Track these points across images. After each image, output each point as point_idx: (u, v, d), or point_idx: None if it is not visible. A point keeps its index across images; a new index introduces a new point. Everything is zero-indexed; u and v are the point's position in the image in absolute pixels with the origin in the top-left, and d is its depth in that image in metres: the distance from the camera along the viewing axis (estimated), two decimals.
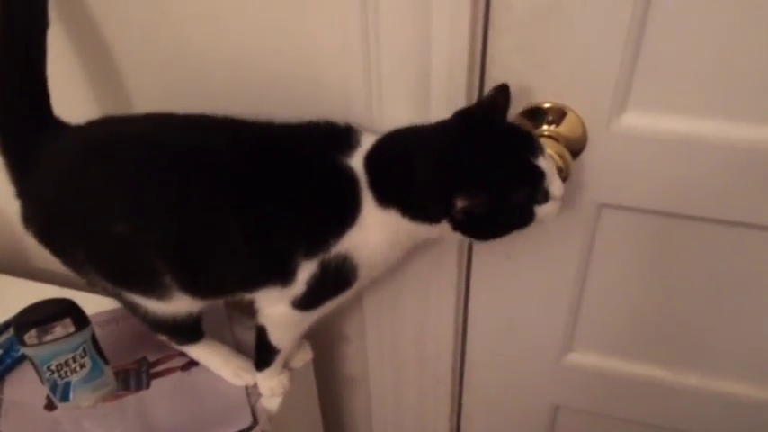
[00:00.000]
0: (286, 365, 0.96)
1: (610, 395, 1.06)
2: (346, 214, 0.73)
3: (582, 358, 1.03)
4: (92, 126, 0.81)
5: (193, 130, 0.78)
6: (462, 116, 0.74)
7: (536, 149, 0.70)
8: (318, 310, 0.83)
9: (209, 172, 0.75)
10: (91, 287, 0.88)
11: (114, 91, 0.96)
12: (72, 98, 0.86)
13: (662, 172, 0.79)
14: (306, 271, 0.76)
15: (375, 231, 0.74)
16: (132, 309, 0.87)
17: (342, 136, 0.77)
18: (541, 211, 0.71)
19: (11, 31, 0.82)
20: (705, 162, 0.76)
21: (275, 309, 0.83)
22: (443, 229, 0.72)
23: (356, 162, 0.74)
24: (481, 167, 0.69)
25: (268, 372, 0.93)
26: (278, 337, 0.88)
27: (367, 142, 0.76)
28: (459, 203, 0.67)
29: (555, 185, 0.71)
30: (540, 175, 0.70)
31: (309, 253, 0.74)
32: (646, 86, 0.73)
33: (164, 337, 0.94)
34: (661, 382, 1.01)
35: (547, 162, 0.70)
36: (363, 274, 0.78)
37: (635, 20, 0.68)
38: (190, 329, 0.92)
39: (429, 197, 0.70)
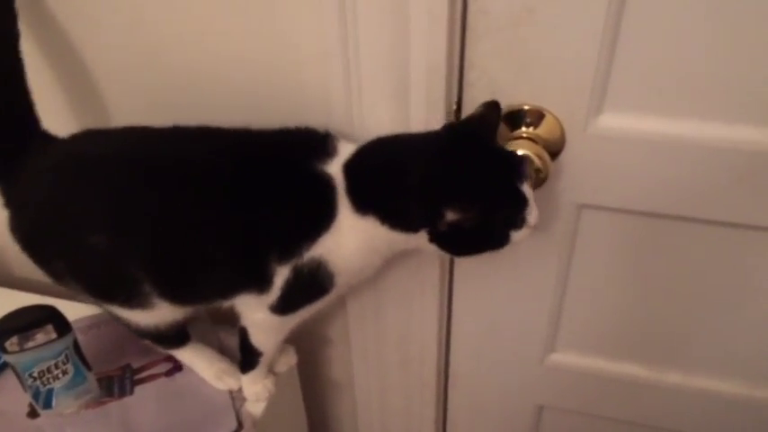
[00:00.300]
0: (271, 370, 0.96)
1: (593, 394, 1.07)
2: (321, 220, 0.74)
3: (565, 358, 1.04)
4: (74, 139, 0.82)
5: (170, 142, 0.79)
6: (452, 130, 0.75)
7: (522, 175, 0.71)
8: (297, 314, 0.83)
9: (186, 181, 0.75)
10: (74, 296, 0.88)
11: (92, 103, 0.96)
12: (50, 110, 0.86)
13: (640, 172, 0.80)
14: (281, 276, 0.76)
15: (351, 238, 0.74)
16: (117, 318, 0.88)
17: (319, 143, 0.77)
18: (516, 235, 0.73)
19: None
20: (682, 162, 0.77)
21: (254, 314, 0.84)
22: (420, 239, 0.72)
23: (333, 169, 0.74)
24: (475, 183, 0.70)
25: (253, 375, 0.93)
26: (259, 339, 0.89)
27: (345, 150, 0.76)
28: (450, 216, 0.68)
29: (533, 214, 0.72)
30: (523, 201, 0.71)
31: (283, 258, 0.75)
32: (621, 88, 0.75)
33: (149, 342, 0.93)
34: (644, 380, 1.02)
35: (528, 190, 0.72)
36: (340, 282, 0.78)
37: (609, 22, 0.69)
38: (174, 336, 0.92)
39: (415, 205, 0.70)
